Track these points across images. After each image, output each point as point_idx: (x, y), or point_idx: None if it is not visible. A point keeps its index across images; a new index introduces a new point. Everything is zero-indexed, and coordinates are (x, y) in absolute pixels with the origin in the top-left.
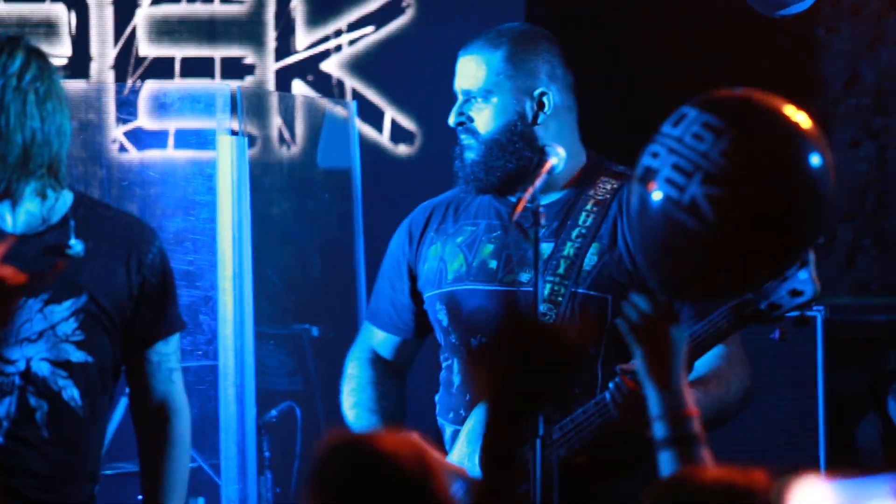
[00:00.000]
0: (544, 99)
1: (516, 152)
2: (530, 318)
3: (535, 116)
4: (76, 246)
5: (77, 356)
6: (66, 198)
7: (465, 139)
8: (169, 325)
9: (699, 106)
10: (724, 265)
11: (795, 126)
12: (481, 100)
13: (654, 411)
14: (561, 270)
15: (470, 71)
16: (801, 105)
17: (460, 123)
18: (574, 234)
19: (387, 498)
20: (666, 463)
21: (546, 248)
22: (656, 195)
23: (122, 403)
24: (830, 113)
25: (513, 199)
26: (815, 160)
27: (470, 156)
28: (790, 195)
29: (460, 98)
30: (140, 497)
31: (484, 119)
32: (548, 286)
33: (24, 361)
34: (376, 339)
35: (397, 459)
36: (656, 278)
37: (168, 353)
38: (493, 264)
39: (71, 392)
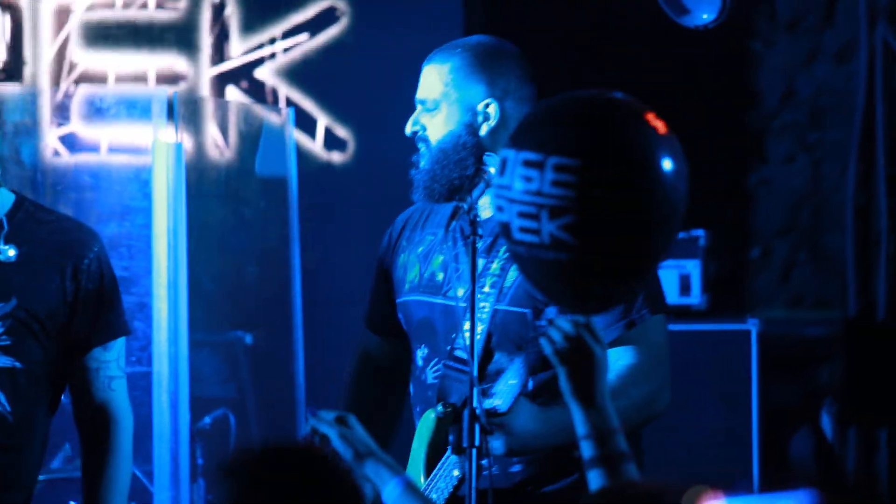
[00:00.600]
0: (490, 110)
1: (460, 161)
2: None
3: (482, 128)
4: (5, 251)
5: (3, 361)
6: (3, 201)
7: (420, 147)
8: (108, 331)
9: (514, 145)
10: (603, 278)
11: (617, 132)
12: (432, 110)
13: (580, 431)
14: (486, 287)
15: (425, 81)
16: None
17: (414, 132)
18: (502, 250)
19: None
20: (595, 481)
21: (480, 264)
22: (520, 246)
23: None
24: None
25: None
26: (655, 161)
27: (421, 164)
28: (634, 202)
29: (418, 107)
30: (73, 502)
31: (434, 128)
32: (477, 301)
33: None
34: (369, 339)
35: (307, 468)
36: (562, 308)
37: (107, 361)
38: (439, 277)
39: None
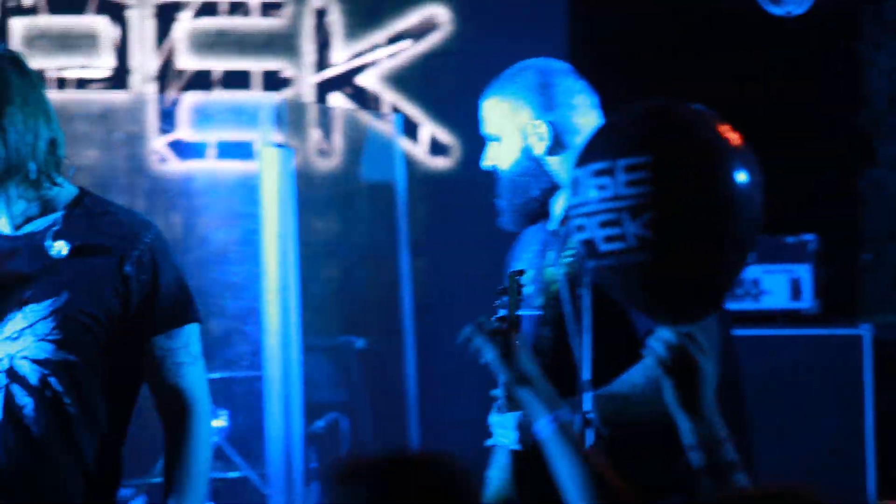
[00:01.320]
0: (540, 130)
1: (525, 186)
2: None
3: (537, 148)
4: (58, 247)
5: (57, 355)
6: (64, 196)
7: (497, 179)
8: (168, 320)
9: (581, 163)
10: (688, 280)
11: (686, 137)
12: (494, 142)
13: (687, 441)
14: (554, 293)
15: (485, 116)
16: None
17: (488, 166)
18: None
19: None
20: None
21: (550, 272)
22: (608, 258)
23: None
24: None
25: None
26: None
27: (499, 195)
28: (707, 200)
29: (488, 142)
30: None
31: (501, 160)
32: (549, 311)
33: (8, 359)
34: None
35: (430, 479)
36: (659, 320)
37: (173, 348)
38: (530, 289)
39: (55, 389)
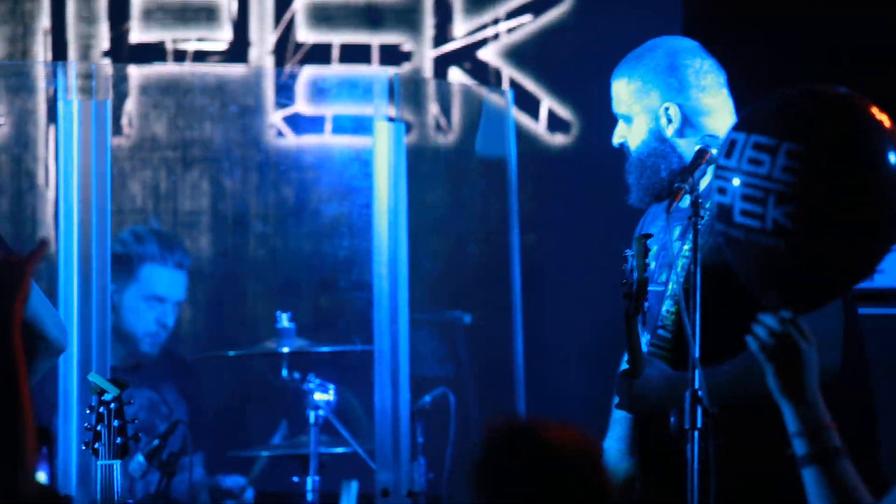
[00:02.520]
0: (671, 113)
1: (654, 167)
2: None
3: (667, 130)
4: None
5: None
6: None
7: (627, 157)
8: None
9: (744, 128)
10: (820, 273)
11: (848, 125)
12: (625, 121)
13: (791, 428)
14: (679, 269)
15: (615, 95)
16: None
17: (619, 143)
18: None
19: (550, 487)
20: (810, 479)
21: (675, 247)
22: (738, 230)
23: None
24: None
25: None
26: (883, 156)
27: (629, 172)
28: (864, 195)
29: (619, 120)
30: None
31: (631, 139)
32: (671, 286)
33: None
34: None
35: (562, 448)
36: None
37: None
38: (652, 265)
39: None
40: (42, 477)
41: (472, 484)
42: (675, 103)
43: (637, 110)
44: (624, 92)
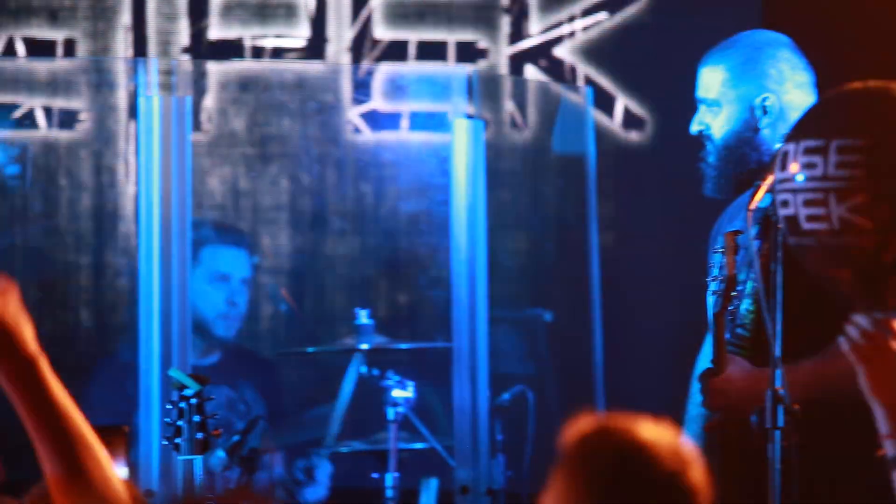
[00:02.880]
0: (768, 104)
1: (742, 157)
2: None
3: (763, 121)
4: None
5: None
6: None
7: (707, 145)
8: None
9: (792, 138)
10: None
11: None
12: (714, 108)
13: (883, 429)
14: (758, 268)
15: (705, 81)
16: None
17: (699, 131)
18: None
19: (640, 488)
20: None
21: (756, 245)
22: (809, 237)
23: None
24: None
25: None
26: None
27: (710, 159)
28: None
29: (701, 106)
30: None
31: (716, 127)
32: (750, 284)
33: None
34: None
35: (655, 450)
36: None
37: None
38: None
39: None
40: (122, 473)
41: (559, 480)
42: (774, 96)
43: (730, 98)
44: (716, 78)
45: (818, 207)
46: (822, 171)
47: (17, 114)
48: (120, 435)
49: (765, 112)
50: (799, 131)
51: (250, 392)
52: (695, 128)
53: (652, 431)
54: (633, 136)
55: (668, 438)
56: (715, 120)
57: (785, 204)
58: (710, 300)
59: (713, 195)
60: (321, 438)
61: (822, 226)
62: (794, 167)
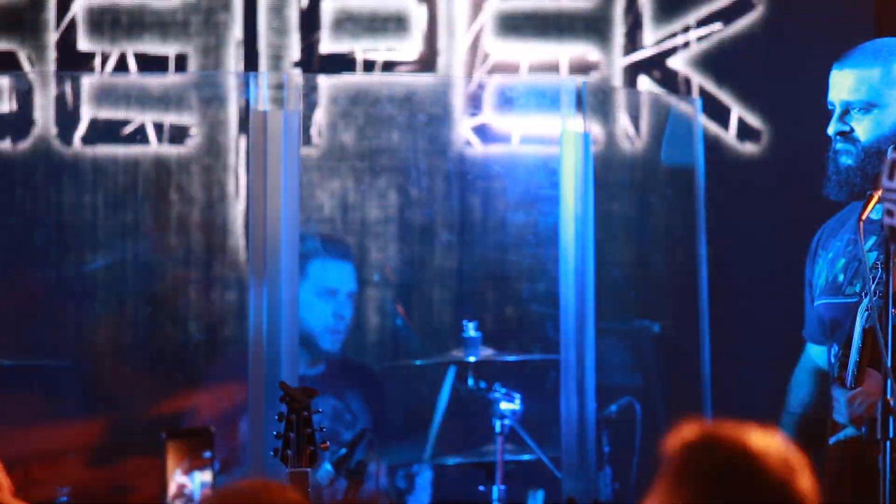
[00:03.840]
0: None
1: (882, 161)
2: None
3: None
4: None
5: None
6: None
7: (841, 146)
8: None
9: None
10: None
11: None
12: (862, 111)
13: None
14: (872, 282)
15: (849, 84)
16: None
17: (841, 133)
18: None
19: (748, 494)
20: None
21: (870, 257)
22: None
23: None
24: None
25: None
26: None
27: (846, 161)
28: None
29: (838, 108)
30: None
31: (864, 129)
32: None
33: None
34: (812, 350)
35: (764, 458)
36: None
37: None
38: (840, 277)
39: None
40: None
41: (664, 486)
42: None
43: (884, 101)
44: (867, 79)
45: None
46: None
47: (129, 129)
48: (206, 436)
49: None
50: None
51: (356, 403)
52: (834, 129)
53: (760, 438)
54: (749, 147)
55: (777, 445)
56: (863, 121)
57: (890, 213)
58: (862, 314)
59: (837, 198)
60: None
61: None
62: None
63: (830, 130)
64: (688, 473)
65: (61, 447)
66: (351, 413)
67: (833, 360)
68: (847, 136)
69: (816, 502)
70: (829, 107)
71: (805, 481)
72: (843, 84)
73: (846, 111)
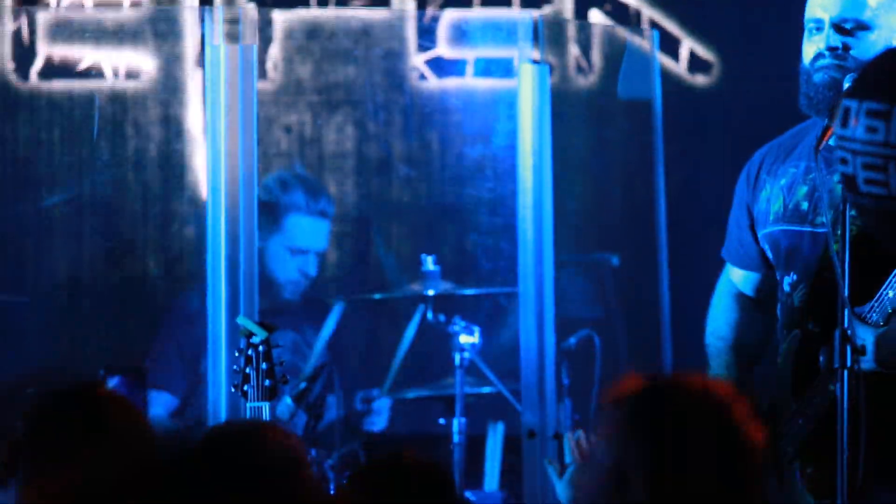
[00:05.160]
0: None
1: None
2: None
3: None
4: None
5: None
6: None
7: (826, 62)
8: None
9: (855, 95)
10: None
11: None
12: (857, 31)
13: None
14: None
15: (846, 2)
16: None
17: (832, 48)
18: None
19: (695, 443)
20: None
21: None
22: (866, 198)
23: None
24: None
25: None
26: None
27: (833, 77)
28: None
29: (827, 23)
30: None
31: (857, 48)
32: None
33: None
34: (734, 275)
35: (704, 403)
36: None
37: None
38: (804, 206)
39: None
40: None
41: (612, 432)
42: None
43: (878, 22)
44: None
45: (877, 172)
46: (884, 138)
47: (84, 65)
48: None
49: None
50: (862, 89)
51: (315, 337)
52: (823, 45)
53: (702, 385)
54: (699, 78)
55: (715, 387)
56: (857, 43)
57: (844, 161)
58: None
59: (813, 114)
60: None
61: (880, 190)
62: (853, 124)
63: (821, 45)
64: (637, 426)
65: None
66: (310, 346)
67: (788, 288)
68: (835, 52)
69: (757, 427)
70: (812, 24)
71: (749, 428)
72: (832, 2)
73: (839, 27)
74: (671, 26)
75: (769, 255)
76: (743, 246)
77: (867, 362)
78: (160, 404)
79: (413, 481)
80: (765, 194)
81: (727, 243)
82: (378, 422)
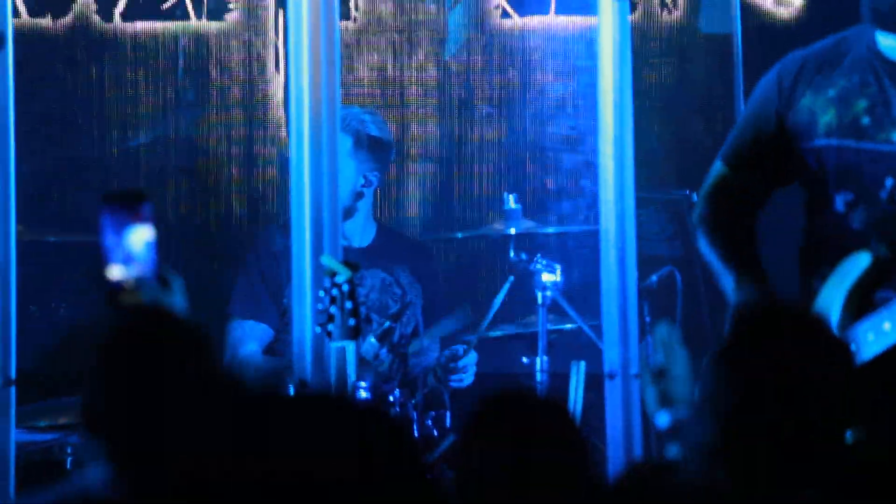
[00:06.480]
0: None
1: None
2: None
3: None
4: None
5: None
6: None
7: None
8: None
9: None
10: None
11: None
12: None
13: None
14: None
15: None
16: None
17: None
18: None
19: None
20: None
21: None
22: None
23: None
24: None
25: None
26: None
27: None
28: None
29: None
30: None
31: None
32: None
33: None
34: (723, 171)
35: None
36: None
37: None
38: (865, 120)
39: None
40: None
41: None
42: None
43: None
44: None
45: None
46: None
47: (168, 4)
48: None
49: None
50: None
51: (405, 276)
52: None
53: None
54: (783, 11)
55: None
56: None
57: None
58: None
59: (880, 28)
60: (473, 325)
61: None
62: None
63: None
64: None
65: None
66: (400, 286)
67: (842, 207)
68: None
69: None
70: None
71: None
72: None
73: None
74: None
75: (812, 167)
76: (743, 148)
77: None
78: (253, 337)
79: (539, 420)
80: (806, 103)
81: (733, 144)
82: (465, 378)
